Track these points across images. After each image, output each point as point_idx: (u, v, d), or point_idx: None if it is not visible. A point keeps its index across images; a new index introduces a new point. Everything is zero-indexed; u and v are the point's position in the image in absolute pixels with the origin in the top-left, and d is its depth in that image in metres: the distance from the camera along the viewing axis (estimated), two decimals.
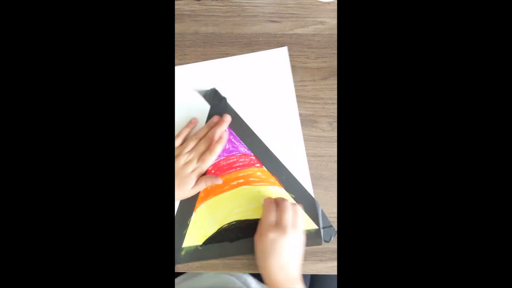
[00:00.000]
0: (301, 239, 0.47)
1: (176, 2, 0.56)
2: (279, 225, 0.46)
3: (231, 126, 0.54)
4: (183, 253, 0.52)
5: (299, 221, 0.47)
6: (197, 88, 0.54)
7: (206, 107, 0.54)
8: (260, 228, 0.47)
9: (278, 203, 0.48)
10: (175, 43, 0.55)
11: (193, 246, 0.52)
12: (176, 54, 0.55)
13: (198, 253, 0.52)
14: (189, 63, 0.55)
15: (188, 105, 0.54)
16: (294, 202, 0.52)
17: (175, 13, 0.56)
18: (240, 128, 0.54)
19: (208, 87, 0.54)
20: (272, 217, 0.47)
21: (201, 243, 0.52)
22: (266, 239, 0.45)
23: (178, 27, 0.56)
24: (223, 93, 0.54)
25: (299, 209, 0.49)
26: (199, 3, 0.56)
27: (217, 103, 0.54)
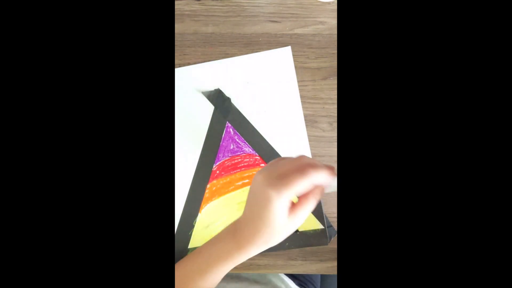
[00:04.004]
0: (291, 228, 0.37)
1: (176, 2, 0.56)
2: (280, 178, 0.33)
3: (235, 126, 0.54)
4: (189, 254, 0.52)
5: (309, 204, 0.36)
6: (201, 89, 0.54)
7: (210, 108, 0.54)
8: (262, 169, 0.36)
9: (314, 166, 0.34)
10: (175, 43, 0.55)
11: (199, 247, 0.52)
12: (176, 54, 0.55)
13: None
14: (189, 63, 0.55)
15: (192, 106, 0.54)
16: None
17: (175, 13, 0.56)
18: (244, 128, 0.54)
19: (212, 88, 0.55)
20: (283, 166, 0.34)
21: None
22: (253, 181, 0.34)
23: (178, 27, 0.55)
24: (227, 93, 0.54)
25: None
26: (199, 3, 0.56)
27: (221, 103, 0.54)
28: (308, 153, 0.53)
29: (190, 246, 0.52)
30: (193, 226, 0.52)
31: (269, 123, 0.54)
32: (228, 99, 0.54)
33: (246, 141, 0.54)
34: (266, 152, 0.53)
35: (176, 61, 0.55)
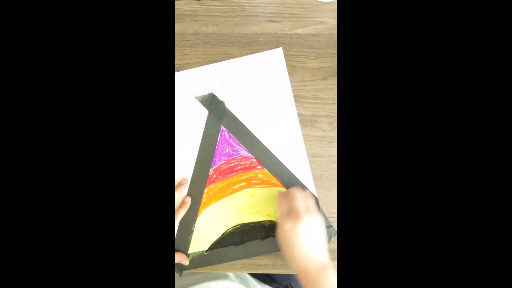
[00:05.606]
0: (318, 222, 0.47)
1: (176, 2, 0.56)
2: (291, 213, 0.46)
3: (230, 129, 0.53)
4: (189, 259, 0.52)
5: (310, 205, 0.47)
6: (195, 93, 0.54)
7: (204, 112, 0.54)
8: (278, 222, 0.47)
9: (287, 193, 0.48)
10: (175, 43, 0.55)
11: (199, 252, 0.52)
12: (176, 54, 0.55)
13: (204, 259, 0.52)
14: (189, 63, 0.55)
15: (186, 111, 0.54)
16: (303, 187, 0.52)
17: (175, 13, 0.56)
18: (239, 131, 0.54)
19: (205, 92, 0.54)
20: (283, 207, 0.47)
21: (206, 248, 0.52)
22: (283, 230, 0.45)
23: (178, 27, 0.55)
24: (220, 97, 0.54)
25: (309, 192, 0.48)
26: (199, 3, 0.56)
27: (215, 107, 0.54)
28: (303, 153, 0.53)
29: (190, 251, 0.52)
30: (192, 232, 0.52)
31: (263, 125, 0.54)
32: (222, 103, 0.54)
33: (242, 143, 0.53)
34: (262, 154, 0.53)
35: (176, 61, 0.55)
